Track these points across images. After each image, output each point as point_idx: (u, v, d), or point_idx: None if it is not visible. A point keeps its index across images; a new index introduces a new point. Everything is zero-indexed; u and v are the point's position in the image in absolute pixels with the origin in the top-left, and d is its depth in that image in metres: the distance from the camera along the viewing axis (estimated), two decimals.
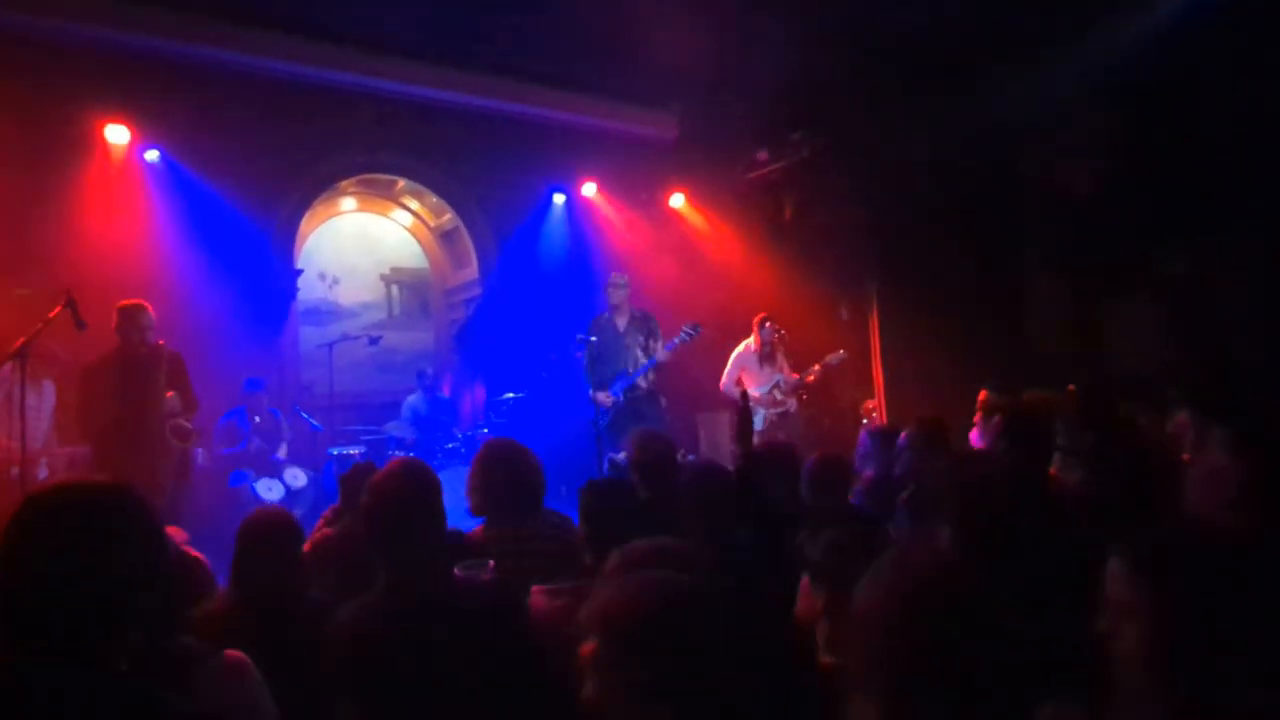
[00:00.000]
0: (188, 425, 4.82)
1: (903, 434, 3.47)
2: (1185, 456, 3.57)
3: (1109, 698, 1.15)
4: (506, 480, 2.73)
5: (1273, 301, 5.81)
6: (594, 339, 6.31)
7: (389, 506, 2.01)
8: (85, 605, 1.20)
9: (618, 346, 6.35)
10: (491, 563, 2.33)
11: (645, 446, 3.23)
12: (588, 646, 1.36)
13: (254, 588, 2.27)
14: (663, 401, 6.48)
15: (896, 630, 1.14)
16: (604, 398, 6.21)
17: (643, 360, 6.28)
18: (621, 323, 6.41)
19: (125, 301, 4.72)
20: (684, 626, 1.33)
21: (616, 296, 6.42)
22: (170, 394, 4.67)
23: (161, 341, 4.74)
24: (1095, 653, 1.18)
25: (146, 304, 4.74)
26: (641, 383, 6.28)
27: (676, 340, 6.15)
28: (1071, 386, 5.49)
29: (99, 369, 4.59)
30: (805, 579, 2.00)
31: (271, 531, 2.38)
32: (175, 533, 2.54)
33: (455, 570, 2.12)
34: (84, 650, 1.19)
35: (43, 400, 4.98)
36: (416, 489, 2.05)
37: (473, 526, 2.83)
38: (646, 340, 6.36)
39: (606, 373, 6.30)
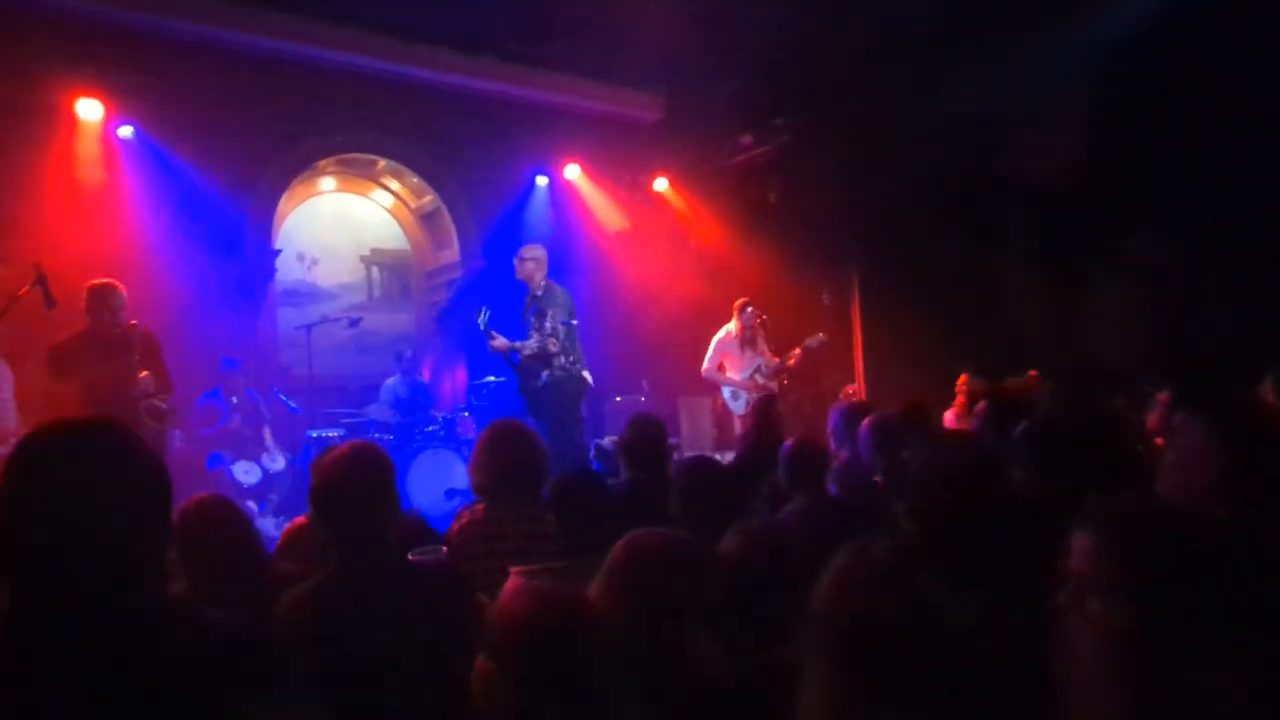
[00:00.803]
0: (162, 406, 4.75)
1: (865, 421, 3.49)
2: (1159, 441, 3.63)
3: (1066, 675, 1.15)
4: (512, 461, 2.71)
5: (1246, 289, 5.90)
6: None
7: (335, 489, 2.01)
8: (107, 545, 1.15)
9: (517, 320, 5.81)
10: (445, 548, 2.33)
11: (636, 431, 3.22)
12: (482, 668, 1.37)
13: (208, 583, 2.23)
14: (573, 388, 5.64)
15: (848, 616, 1.13)
16: (501, 343, 5.61)
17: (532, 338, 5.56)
18: (527, 298, 5.80)
19: (95, 281, 4.60)
20: (563, 647, 1.33)
21: (522, 271, 5.77)
22: (144, 374, 4.59)
23: (135, 322, 4.64)
24: (1053, 629, 1.18)
25: (117, 284, 4.63)
26: (547, 375, 5.57)
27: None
28: (1033, 372, 5.58)
29: (68, 349, 4.49)
30: None
31: (213, 513, 2.32)
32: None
33: (409, 555, 2.11)
34: (109, 595, 1.14)
35: (2, 381, 4.87)
36: (363, 471, 2.04)
37: (454, 507, 2.82)
38: (537, 318, 5.59)
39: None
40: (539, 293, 5.67)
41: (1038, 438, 2.34)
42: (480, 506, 2.73)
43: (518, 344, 5.60)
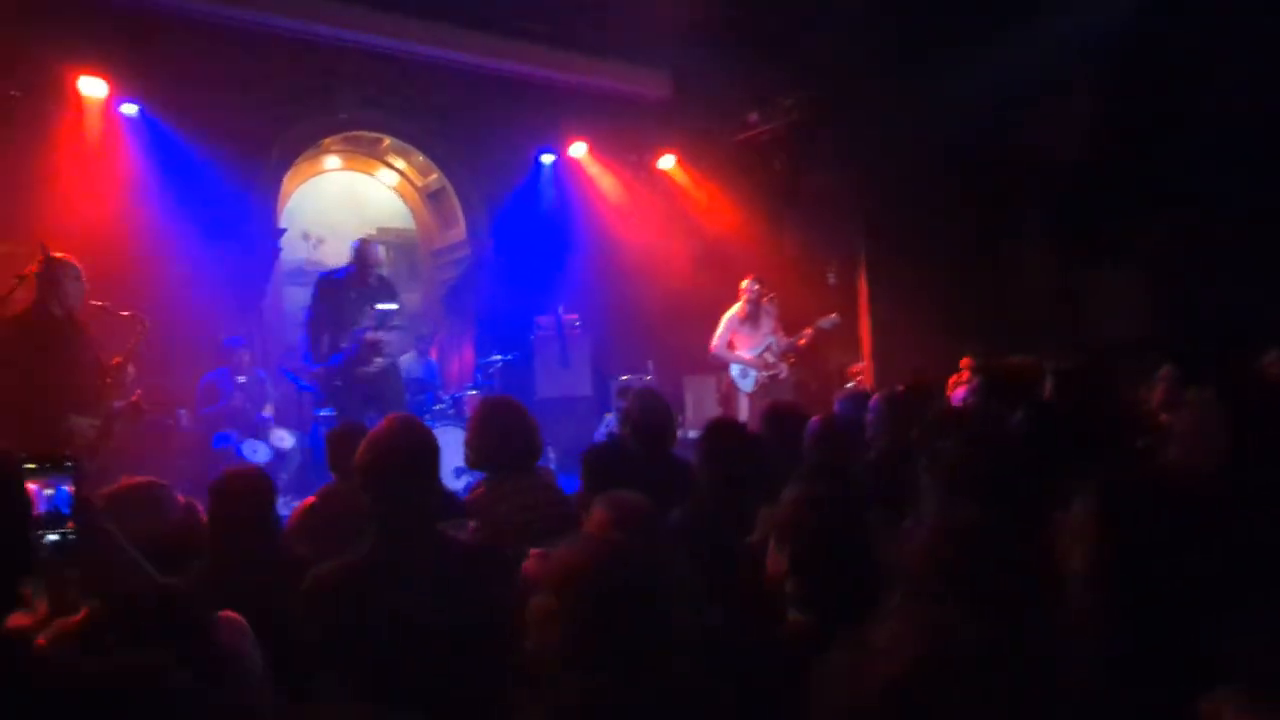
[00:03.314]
0: (139, 405, 4.39)
1: (873, 398, 3.50)
2: (1164, 418, 3.62)
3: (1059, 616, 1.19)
4: (506, 435, 2.73)
5: (1253, 270, 5.85)
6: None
7: (385, 462, 2.00)
8: None
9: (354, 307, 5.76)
10: (472, 524, 2.34)
11: (645, 410, 3.22)
12: (539, 604, 1.41)
13: (234, 547, 2.26)
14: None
15: None
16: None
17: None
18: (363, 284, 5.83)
19: (52, 253, 4.18)
20: (613, 592, 1.37)
21: (374, 256, 5.89)
22: (118, 361, 4.26)
23: (127, 312, 4.40)
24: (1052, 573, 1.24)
25: (72, 260, 4.20)
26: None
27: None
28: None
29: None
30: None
31: (243, 484, 2.36)
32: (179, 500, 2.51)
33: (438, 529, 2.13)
34: None
35: None
36: (413, 446, 2.04)
37: (465, 485, 2.84)
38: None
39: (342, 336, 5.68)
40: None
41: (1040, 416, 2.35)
42: (479, 484, 2.77)
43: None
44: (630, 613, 1.37)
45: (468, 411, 6.77)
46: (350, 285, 5.82)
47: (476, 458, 2.79)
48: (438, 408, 6.72)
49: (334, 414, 5.61)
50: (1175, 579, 1.12)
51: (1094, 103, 6.58)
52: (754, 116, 8.39)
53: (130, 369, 4.38)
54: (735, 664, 1.67)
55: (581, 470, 2.69)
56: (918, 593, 1.20)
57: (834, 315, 6.80)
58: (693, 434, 5.52)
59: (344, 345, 5.65)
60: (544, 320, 7.86)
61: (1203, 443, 1.76)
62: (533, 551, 2.16)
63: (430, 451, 2.07)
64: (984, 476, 1.74)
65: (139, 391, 4.44)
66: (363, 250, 5.91)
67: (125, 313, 4.44)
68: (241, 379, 6.43)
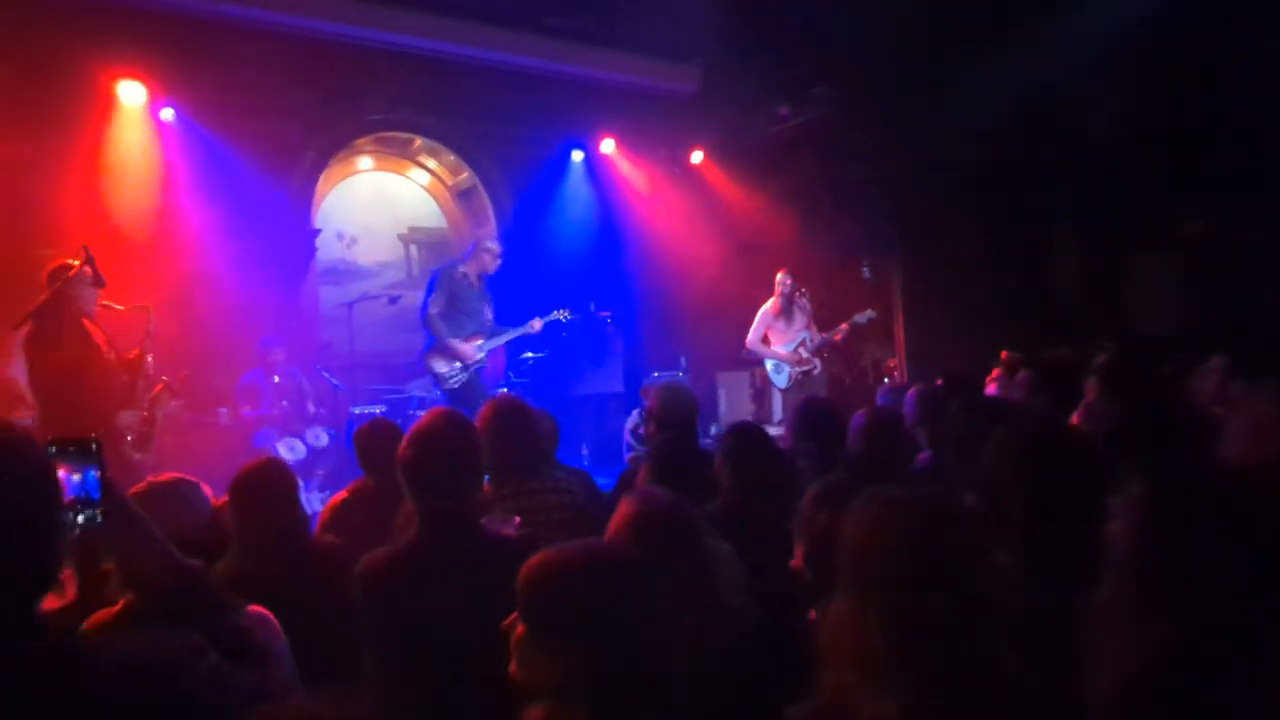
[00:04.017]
0: (169, 387, 4.54)
1: (909, 392, 3.45)
2: (1216, 411, 3.51)
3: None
4: (512, 438, 2.72)
5: None
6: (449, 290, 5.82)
7: (429, 456, 2.00)
8: None
9: (474, 309, 5.93)
10: (518, 519, 2.33)
11: (667, 403, 3.21)
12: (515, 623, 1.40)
13: (255, 540, 2.28)
14: None
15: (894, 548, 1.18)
16: (471, 351, 5.80)
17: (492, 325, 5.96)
18: (477, 284, 5.98)
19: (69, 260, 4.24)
20: (601, 600, 1.34)
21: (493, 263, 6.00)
22: (137, 353, 4.36)
23: (122, 306, 4.45)
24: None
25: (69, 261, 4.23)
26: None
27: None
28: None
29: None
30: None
31: (263, 477, 2.38)
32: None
33: (482, 522, 2.13)
34: None
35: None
36: (457, 440, 2.04)
37: None
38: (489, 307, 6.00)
39: (462, 332, 5.82)
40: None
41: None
42: (485, 485, 2.76)
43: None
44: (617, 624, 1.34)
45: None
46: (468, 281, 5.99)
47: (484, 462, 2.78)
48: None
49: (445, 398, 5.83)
50: (1220, 576, 1.07)
51: (1129, 90, 6.42)
52: (784, 110, 8.32)
53: (149, 358, 4.48)
54: (763, 663, 1.65)
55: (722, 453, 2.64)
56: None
57: (869, 310, 6.72)
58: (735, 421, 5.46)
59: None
60: (575, 317, 7.87)
61: (1265, 439, 1.71)
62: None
63: (474, 446, 2.08)
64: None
65: (165, 378, 4.57)
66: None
67: (120, 306, 4.48)
68: (277, 378, 6.52)
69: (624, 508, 1.79)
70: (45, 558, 1.12)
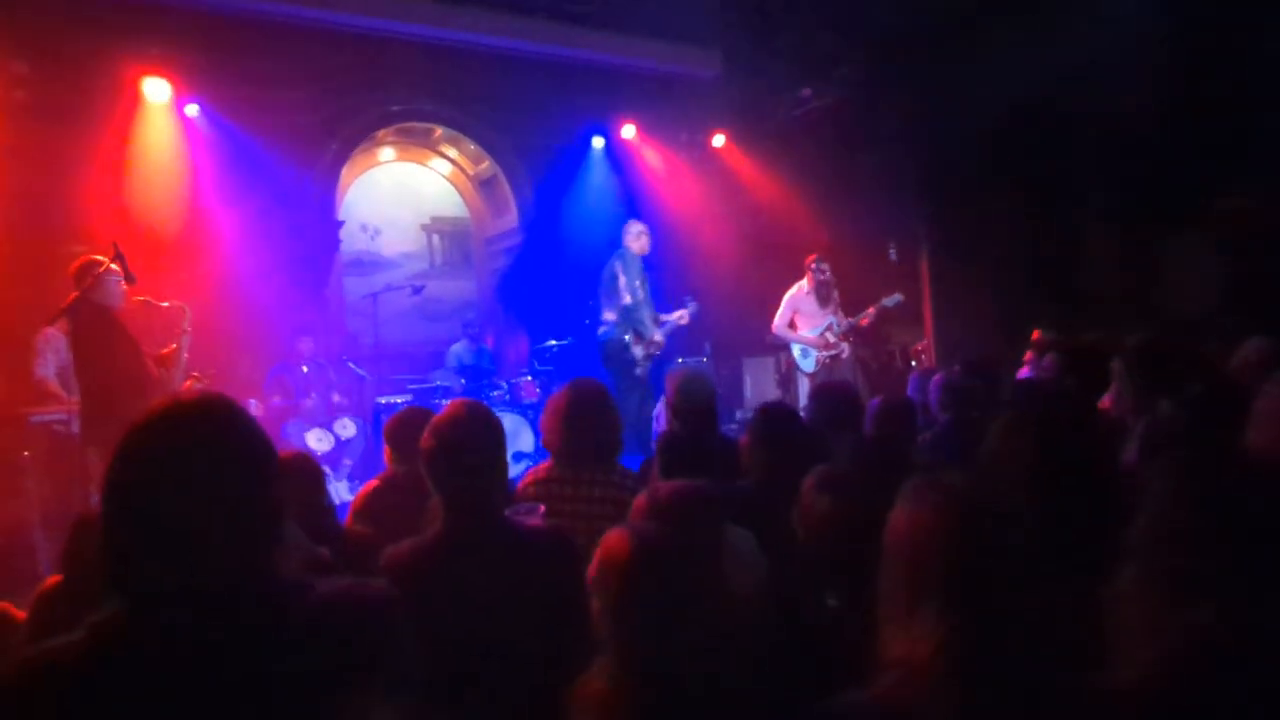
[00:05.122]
0: (200, 383, 4.62)
1: (934, 377, 3.41)
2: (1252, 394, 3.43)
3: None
4: (585, 423, 2.66)
5: None
6: (635, 281, 6.09)
7: (452, 449, 1.98)
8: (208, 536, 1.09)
9: (647, 292, 6.22)
10: (542, 507, 2.32)
11: (684, 390, 3.17)
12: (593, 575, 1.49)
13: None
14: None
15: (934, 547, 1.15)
16: (659, 339, 6.18)
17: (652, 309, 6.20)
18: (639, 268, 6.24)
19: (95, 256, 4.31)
20: (649, 589, 1.41)
21: (645, 244, 6.25)
22: (174, 349, 4.45)
23: (167, 303, 4.54)
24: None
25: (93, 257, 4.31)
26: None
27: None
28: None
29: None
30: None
31: (290, 469, 2.40)
32: None
33: (506, 513, 2.12)
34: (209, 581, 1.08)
35: (55, 349, 4.98)
36: (480, 430, 2.03)
37: (519, 473, 2.81)
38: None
39: (649, 317, 6.15)
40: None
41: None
42: (544, 466, 2.72)
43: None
44: (663, 596, 1.40)
45: (524, 398, 6.82)
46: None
47: (550, 443, 2.73)
48: (494, 394, 6.78)
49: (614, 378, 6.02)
50: (1252, 560, 1.06)
51: (1163, 66, 6.26)
52: (807, 91, 8.21)
53: (184, 355, 4.55)
54: (785, 650, 1.64)
55: (750, 433, 2.61)
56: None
57: (897, 293, 6.63)
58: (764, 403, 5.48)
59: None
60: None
61: None
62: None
63: (497, 436, 2.06)
64: None
65: (195, 373, 4.65)
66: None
67: (165, 303, 4.57)
68: (305, 368, 6.58)
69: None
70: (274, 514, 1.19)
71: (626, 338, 6.02)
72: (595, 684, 1.40)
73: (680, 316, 6.41)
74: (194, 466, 1.11)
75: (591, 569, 1.53)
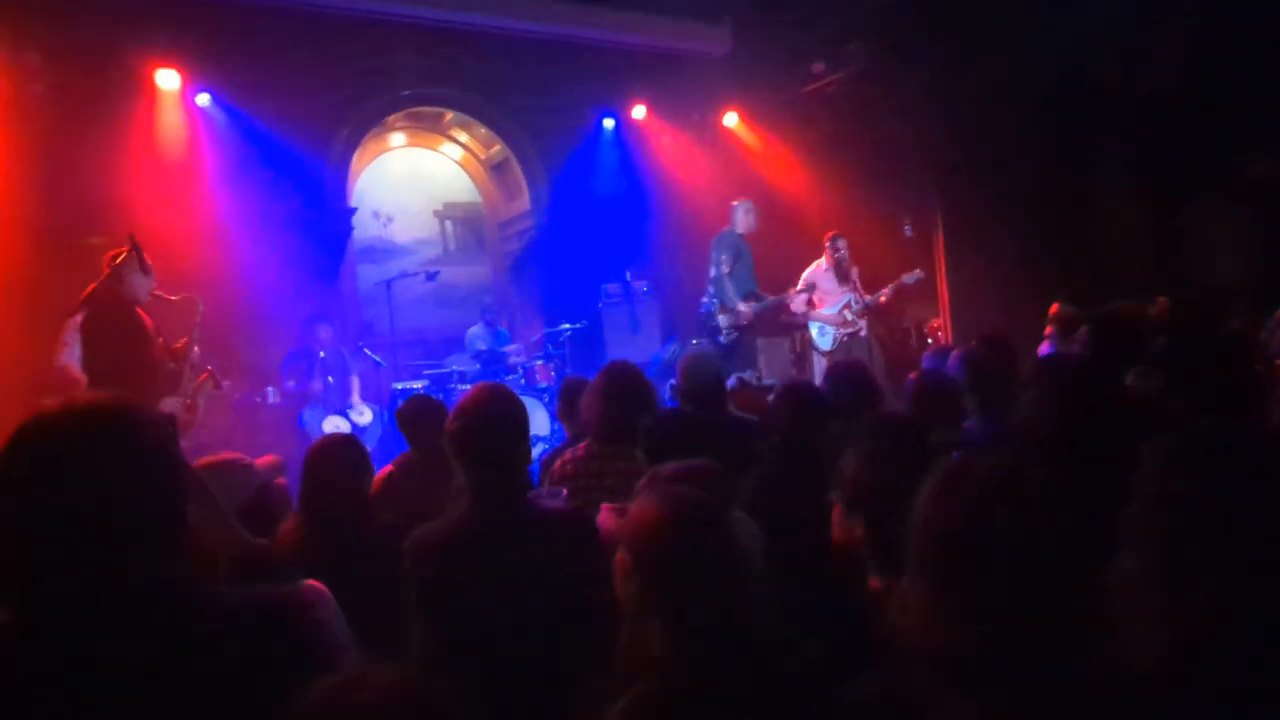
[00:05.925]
0: (214, 377, 4.68)
1: (952, 354, 3.37)
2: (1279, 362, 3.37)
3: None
4: (621, 403, 2.70)
5: None
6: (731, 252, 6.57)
7: (478, 430, 1.99)
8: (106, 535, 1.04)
9: (750, 265, 6.69)
10: (565, 491, 2.33)
11: (689, 372, 3.16)
12: (620, 557, 1.47)
13: (321, 506, 2.31)
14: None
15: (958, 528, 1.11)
16: (746, 311, 6.58)
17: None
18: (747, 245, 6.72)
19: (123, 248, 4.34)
20: (692, 546, 1.40)
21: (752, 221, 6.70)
22: (186, 342, 4.52)
23: (176, 296, 4.57)
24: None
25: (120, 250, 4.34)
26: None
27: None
28: (1163, 300, 5.19)
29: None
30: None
31: (338, 451, 2.43)
32: (270, 461, 2.60)
33: (530, 495, 2.14)
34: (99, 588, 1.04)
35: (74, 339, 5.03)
36: (504, 413, 2.04)
37: (538, 456, 2.82)
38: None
39: (744, 288, 6.60)
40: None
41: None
42: (583, 446, 2.75)
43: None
44: (702, 563, 1.39)
45: (538, 381, 6.83)
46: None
47: (590, 423, 2.77)
48: (509, 378, 6.79)
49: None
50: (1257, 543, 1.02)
51: (1188, 29, 6.11)
52: (819, 66, 8.10)
53: (196, 349, 4.58)
54: (812, 630, 1.62)
55: (642, 445, 2.63)
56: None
57: (917, 270, 6.57)
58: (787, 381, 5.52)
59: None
60: (612, 287, 7.84)
61: None
62: (605, 506, 2.15)
63: (520, 419, 2.07)
64: None
65: (209, 367, 4.69)
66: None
67: (175, 297, 4.61)
68: (322, 354, 6.60)
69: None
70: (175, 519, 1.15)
71: (714, 308, 6.57)
72: (643, 649, 1.39)
73: (885, 292, 6.61)
74: (82, 466, 1.06)
75: (624, 536, 1.52)
